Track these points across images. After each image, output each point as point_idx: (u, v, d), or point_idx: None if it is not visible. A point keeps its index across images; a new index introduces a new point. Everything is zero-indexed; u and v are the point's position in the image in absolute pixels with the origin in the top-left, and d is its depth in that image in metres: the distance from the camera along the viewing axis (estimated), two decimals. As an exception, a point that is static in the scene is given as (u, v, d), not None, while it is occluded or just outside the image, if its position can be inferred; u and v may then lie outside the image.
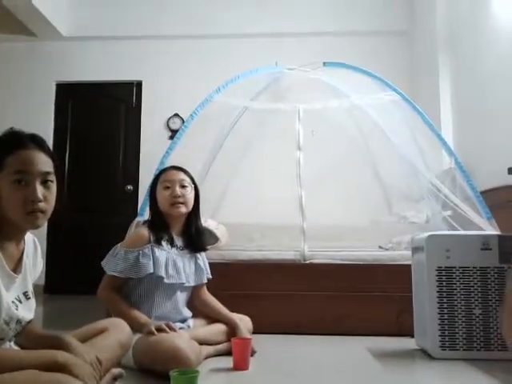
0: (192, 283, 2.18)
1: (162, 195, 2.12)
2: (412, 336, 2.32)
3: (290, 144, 3.07)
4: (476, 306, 2.11)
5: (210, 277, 2.28)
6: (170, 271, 2.05)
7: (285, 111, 3.31)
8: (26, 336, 1.42)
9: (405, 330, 2.41)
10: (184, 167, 2.25)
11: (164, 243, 2.08)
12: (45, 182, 1.30)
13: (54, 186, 1.33)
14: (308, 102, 3.28)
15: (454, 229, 2.86)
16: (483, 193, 2.90)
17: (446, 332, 2.09)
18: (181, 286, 2.11)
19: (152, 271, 1.99)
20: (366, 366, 2.02)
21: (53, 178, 1.33)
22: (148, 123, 4.90)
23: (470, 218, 2.82)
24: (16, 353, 1.32)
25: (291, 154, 3.05)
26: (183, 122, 4.46)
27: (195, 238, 2.19)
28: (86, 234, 4.71)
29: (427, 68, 4.33)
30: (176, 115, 4.84)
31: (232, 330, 2.15)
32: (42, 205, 1.28)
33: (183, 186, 2.13)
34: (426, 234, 2.23)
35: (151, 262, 2.00)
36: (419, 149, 3.27)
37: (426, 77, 4.36)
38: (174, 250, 2.11)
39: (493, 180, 2.96)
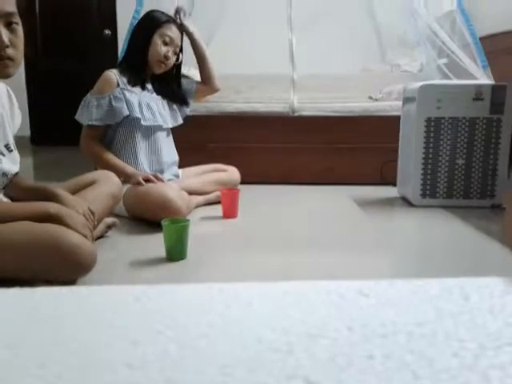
0: (169, 125, 2.18)
1: (158, 49, 2.05)
2: (395, 185, 2.40)
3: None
4: (460, 156, 2.14)
5: (181, 122, 2.28)
6: (145, 113, 2.03)
7: None
8: (15, 188, 1.42)
9: (389, 179, 2.49)
10: (164, 10, 2.10)
11: (134, 87, 2.04)
12: (9, 25, 1.18)
13: (20, 29, 1.21)
14: None
15: (448, 78, 2.78)
16: (483, 38, 2.74)
17: (428, 181, 2.16)
18: (159, 128, 2.11)
19: (127, 113, 1.97)
20: (349, 212, 2.12)
21: (17, 19, 1.20)
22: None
23: (465, 66, 2.72)
24: (7, 205, 1.34)
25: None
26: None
27: (170, 97, 2.20)
28: (66, 82, 4.51)
29: None
30: None
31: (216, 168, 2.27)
32: (9, 51, 1.17)
33: (175, 50, 2.10)
34: (419, 84, 2.16)
35: (125, 105, 1.97)
36: (420, -12, 3.01)
37: None
38: (144, 92, 2.08)
39: (496, 25, 2.79)
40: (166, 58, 2.06)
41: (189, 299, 0.49)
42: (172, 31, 2.08)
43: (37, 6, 4.49)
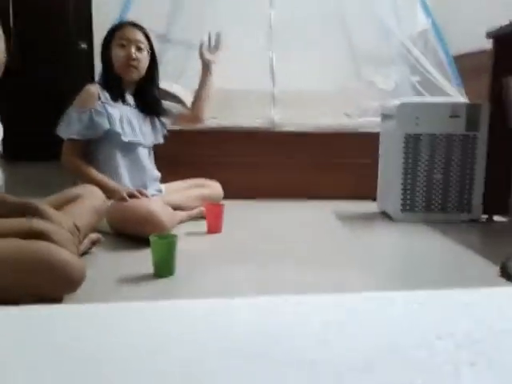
0: (149, 142, 2.15)
1: (116, 53, 2.01)
2: (374, 200, 2.44)
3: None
4: (438, 171, 2.20)
5: (161, 141, 2.26)
6: (126, 128, 2.00)
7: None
8: (-3, 204, 1.38)
9: (368, 195, 2.52)
10: (144, 25, 2.09)
11: (116, 102, 2.01)
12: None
13: None
14: None
15: (422, 95, 2.87)
16: (457, 58, 2.85)
17: (408, 196, 2.21)
18: (140, 145, 2.08)
19: (108, 127, 1.94)
20: (330, 226, 2.14)
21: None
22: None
23: (439, 84, 2.82)
24: (-11, 221, 1.30)
25: (262, 11, 2.83)
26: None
27: (151, 106, 2.14)
28: (42, 97, 4.44)
29: None
30: (130, -38, 4.30)
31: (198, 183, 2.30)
32: None
33: (139, 48, 2.02)
34: (397, 102, 2.22)
35: (106, 119, 1.94)
36: (395, 8, 3.11)
37: None
38: (127, 107, 2.05)
39: (469, 44, 2.89)
40: (128, 58, 1.99)
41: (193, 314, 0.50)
42: (125, 32, 2.02)
43: (11, 18, 4.42)
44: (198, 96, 2.34)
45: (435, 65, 2.88)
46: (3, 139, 4.74)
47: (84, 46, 4.44)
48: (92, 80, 2.21)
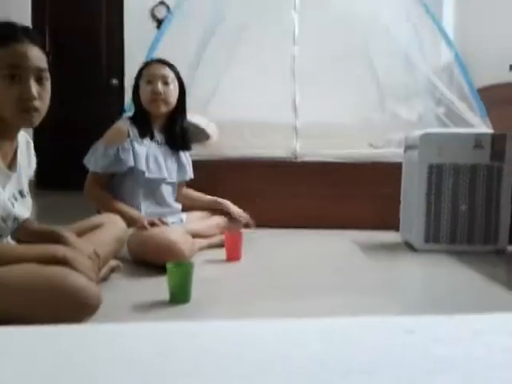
0: (174, 179, 2.20)
1: (143, 90, 2.08)
2: (397, 230, 2.40)
3: (285, 35, 2.90)
4: (463, 202, 2.16)
5: (192, 177, 2.30)
6: (151, 166, 2.06)
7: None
8: (23, 232, 1.43)
9: (391, 225, 2.48)
10: (171, 61, 2.17)
11: (144, 139, 2.06)
12: (39, 80, 1.24)
13: (48, 84, 1.28)
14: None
15: (447, 126, 2.85)
16: (481, 90, 2.84)
17: (431, 226, 2.17)
18: (163, 182, 2.13)
19: (132, 165, 1.99)
20: (352, 256, 2.11)
21: (47, 75, 1.27)
22: (131, 12, 4.58)
23: (463, 116, 2.80)
24: (14, 247, 1.35)
25: (286, 47, 2.89)
26: (169, 10, 4.21)
27: (179, 137, 2.18)
28: (73, 130, 4.61)
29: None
30: (161, 3, 4.52)
31: (220, 211, 2.29)
32: (36, 103, 1.23)
33: (166, 83, 2.07)
34: (420, 132, 2.21)
35: (131, 157, 1.99)
36: (419, 43, 3.14)
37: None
38: (154, 144, 2.10)
39: (492, 77, 2.89)
40: (155, 93, 2.03)
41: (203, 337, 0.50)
42: (152, 69, 2.08)
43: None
44: (195, 201, 2.34)
45: (460, 97, 2.87)
46: (38, 170, 4.92)
47: (115, 82, 4.62)
48: (120, 115, 2.29)
